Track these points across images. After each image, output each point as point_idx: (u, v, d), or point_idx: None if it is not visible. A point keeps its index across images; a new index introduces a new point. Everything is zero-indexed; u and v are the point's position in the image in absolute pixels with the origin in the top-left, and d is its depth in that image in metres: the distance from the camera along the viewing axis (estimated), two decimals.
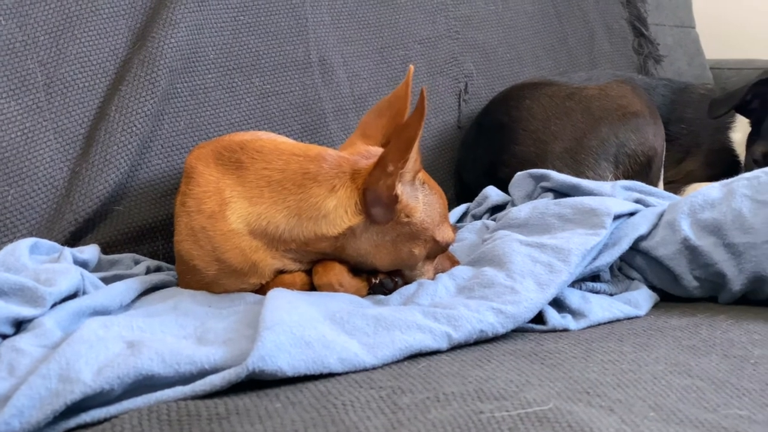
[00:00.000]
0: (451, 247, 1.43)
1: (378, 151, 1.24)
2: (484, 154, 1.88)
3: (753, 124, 1.86)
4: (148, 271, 1.35)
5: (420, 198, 1.22)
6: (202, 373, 0.91)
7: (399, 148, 1.14)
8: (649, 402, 0.85)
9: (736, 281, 1.27)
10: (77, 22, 1.48)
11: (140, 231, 1.47)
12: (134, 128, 1.47)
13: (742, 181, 1.35)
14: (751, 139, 1.84)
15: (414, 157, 1.15)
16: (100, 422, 0.85)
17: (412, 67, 1.30)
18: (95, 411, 0.86)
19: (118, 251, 1.43)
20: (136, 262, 1.39)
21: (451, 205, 1.77)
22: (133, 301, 1.20)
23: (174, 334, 1.03)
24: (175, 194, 1.31)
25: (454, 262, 1.35)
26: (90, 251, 1.31)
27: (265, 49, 1.72)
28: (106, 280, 1.26)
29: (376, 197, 1.17)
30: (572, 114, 1.84)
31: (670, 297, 1.33)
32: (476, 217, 1.67)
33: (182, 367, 0.90)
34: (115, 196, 1.46)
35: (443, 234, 1.27)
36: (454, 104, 2.05)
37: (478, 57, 2.13)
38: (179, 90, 1.57)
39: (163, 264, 1.42)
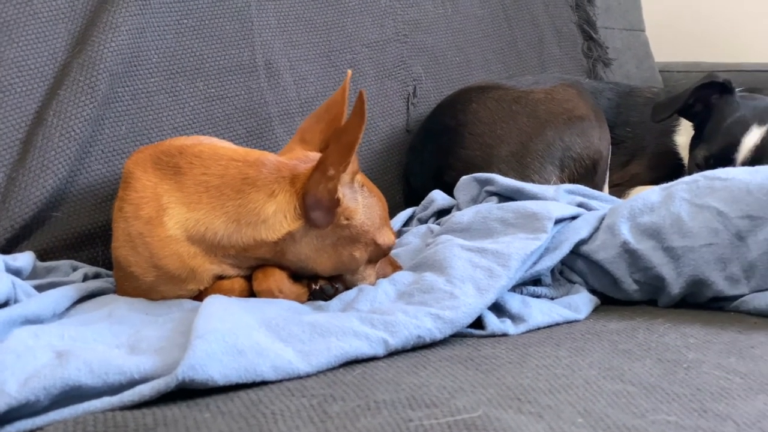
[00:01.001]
0: (395, 252, 1.43)
1: (316, 155, 1.23)
2: (432, 157, 1.88)
3: (696, 128, 1.88)
4: (86, 278, 1.33)
5: (359, 200, 1.22)
6: (132, 383, 0.89)
7: (339, 151, 1.13)
8: (578, 408, 0.85)
9: (675, 284, 1.28)
10: (14, 25, 1.45)
11: (79, 237, 1.45)
12: (73, 133, 1.45)
13: (681, 185, 1.36)
14: (694, 143, 1.86)
15: (353, 159, 1.15)
16: None
17: (349, 71, 1.29)
18: (21, 422, 0.84)
19: (56, 258, 1.41)
20: (74, 269, 1.37)
21: (399, 209, 1.77)
22: (69, 308, 1.18)
23: (106, 342, 1.01)
24: (115, 200, 1.30)
25: (396, 267, 1.35)
26: (24, 258, 1.28)
27: (210, 52, 1.70)
28: (42, 288, 1.24)
29: (316, 201, 1.16)
30: (518, 118, 1.85)
31: (611, 300, 1.34)
32: (422, 222, 1.67)
33: (111, 377, 0.89)
34: (53, 202, 1.43)
35: (384, 237, 1.26)
36: (403, 108, 2.05)
37: (426, 60, 2.13)
38: (120, 94, 1.54)
39: (102, 270, 1.39)
